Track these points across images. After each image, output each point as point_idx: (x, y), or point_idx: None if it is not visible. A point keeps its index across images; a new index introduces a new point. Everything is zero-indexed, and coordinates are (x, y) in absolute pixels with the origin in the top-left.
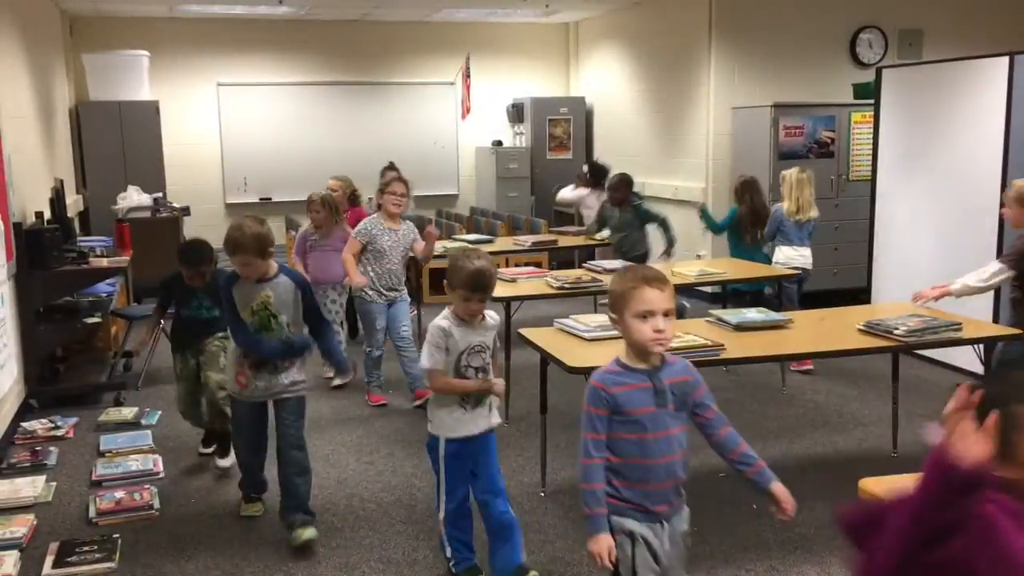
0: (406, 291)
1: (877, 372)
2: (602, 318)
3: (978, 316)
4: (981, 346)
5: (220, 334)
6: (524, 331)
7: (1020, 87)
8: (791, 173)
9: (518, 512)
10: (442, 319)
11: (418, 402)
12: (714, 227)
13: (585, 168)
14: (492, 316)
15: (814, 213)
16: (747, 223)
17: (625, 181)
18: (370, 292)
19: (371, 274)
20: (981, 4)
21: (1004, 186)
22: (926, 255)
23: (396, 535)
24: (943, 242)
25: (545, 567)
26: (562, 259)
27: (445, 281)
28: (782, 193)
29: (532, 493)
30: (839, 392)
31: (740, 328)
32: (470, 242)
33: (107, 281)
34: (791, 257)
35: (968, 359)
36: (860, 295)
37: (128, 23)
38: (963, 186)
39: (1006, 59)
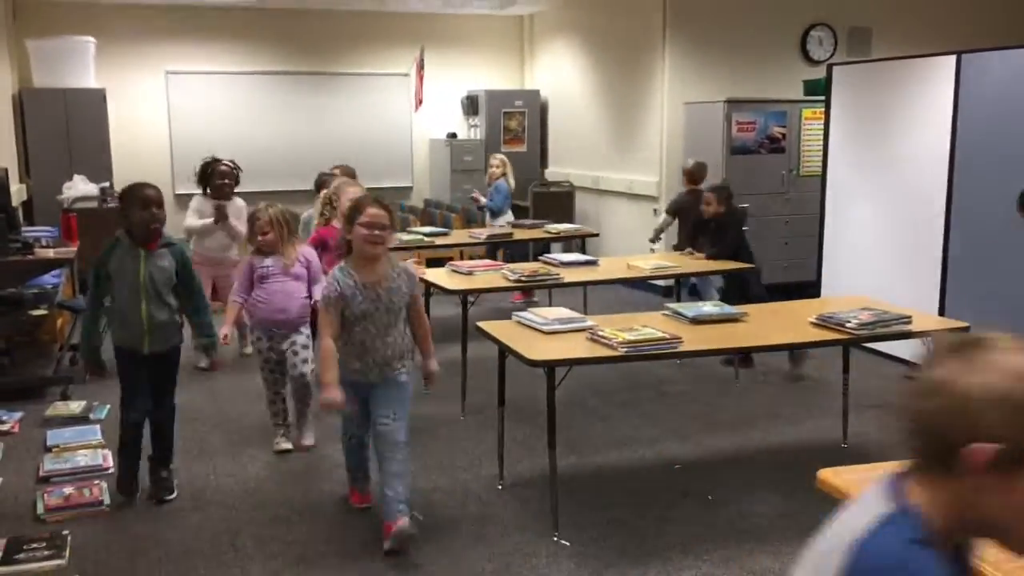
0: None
1: (827, 364)
2: (561, 311)
3: (926, 310)
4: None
5: None
6: (482, 324)
7: (967, 85)
8: None
9: (475, 505)
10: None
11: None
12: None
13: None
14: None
15: None
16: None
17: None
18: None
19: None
20: (928, 3)
21: (951, 181)
22: (875, 249)
23: (351, 528)
24: (891, 237)
25: (504, 559)
26: (516, 252)
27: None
28: None
29: (490, 486)
30: (790, 384)
31: (696, 321)
32: (424, 235)
33: (52, 272)
34: None
35: (916, 352)
36: (809, 289)
37: (73, 8)
38: (911, 182)
39: (953, 58)
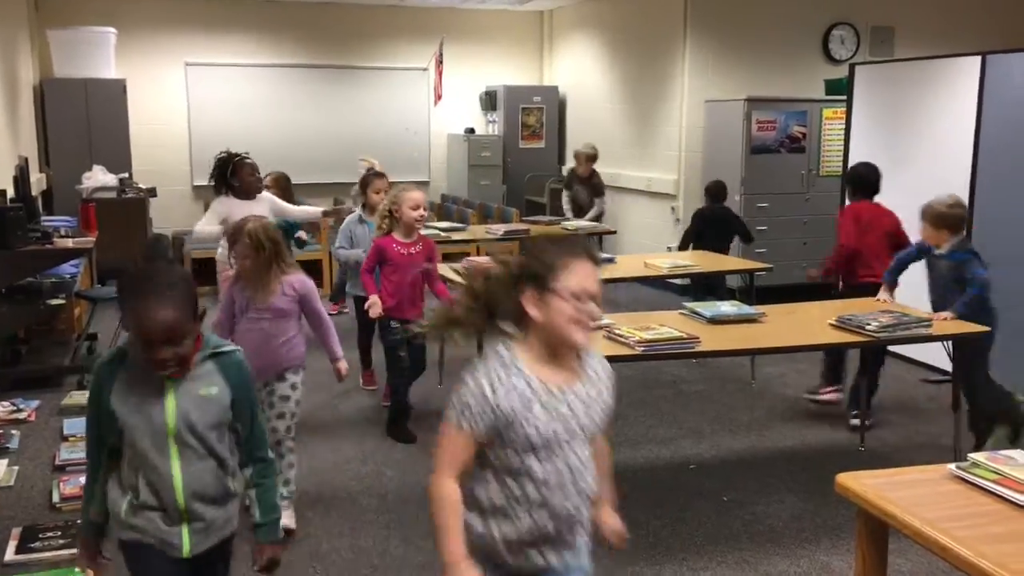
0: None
1: (846, 367)
2: None
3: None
4: (949, 342)
5: None
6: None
7: (991, 87)
8: None
9: None
10: None
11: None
12: None
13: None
14: None
15: None
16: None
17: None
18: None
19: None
20: (953, 3)
21: (974, 185)
22: None
23: (367, 524)
24: (912, 239)
25: None
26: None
27: None
28: None
29: None
30: (808, 386)
31: (714, 321)
32: (441, 230)
33: (71, 262)
34: None
35: (936, 356)
36: (830, 290)
37: None
38: (933, 184)
39: (978, 58)
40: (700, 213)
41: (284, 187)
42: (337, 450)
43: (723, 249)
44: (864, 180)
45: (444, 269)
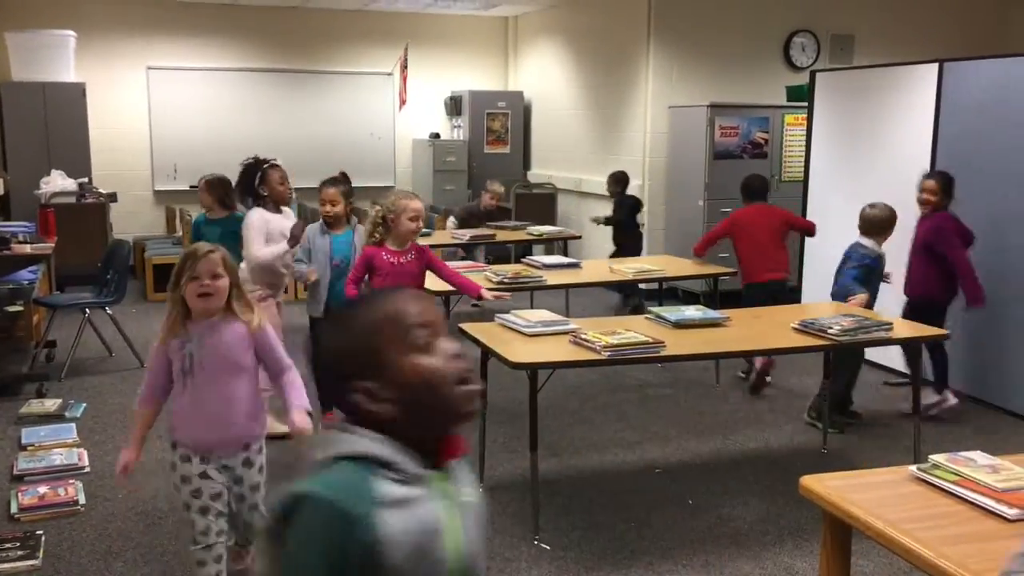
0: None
1: (807, 370)
2: (544, 314)
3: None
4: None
5: None
6: (465, 326)
7: (949, 93)
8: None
9: None
10: None
11: None
12: None
13: None
14: None
15: None
16: None
17: None
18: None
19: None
20: (910, 12)
21: None
22: None
23: None
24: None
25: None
26: (498, 254)
27: None
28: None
29: None
30: (771, 389)
31: (679, 326)
32: None
33: (29, 268)
34: None
35: (897, 359)
36: (792, 294)
37: (54, 1)
38: (892, 189)
39: (935, 66)
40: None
41: (220, 195)
42: None
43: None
44: (749, 188)
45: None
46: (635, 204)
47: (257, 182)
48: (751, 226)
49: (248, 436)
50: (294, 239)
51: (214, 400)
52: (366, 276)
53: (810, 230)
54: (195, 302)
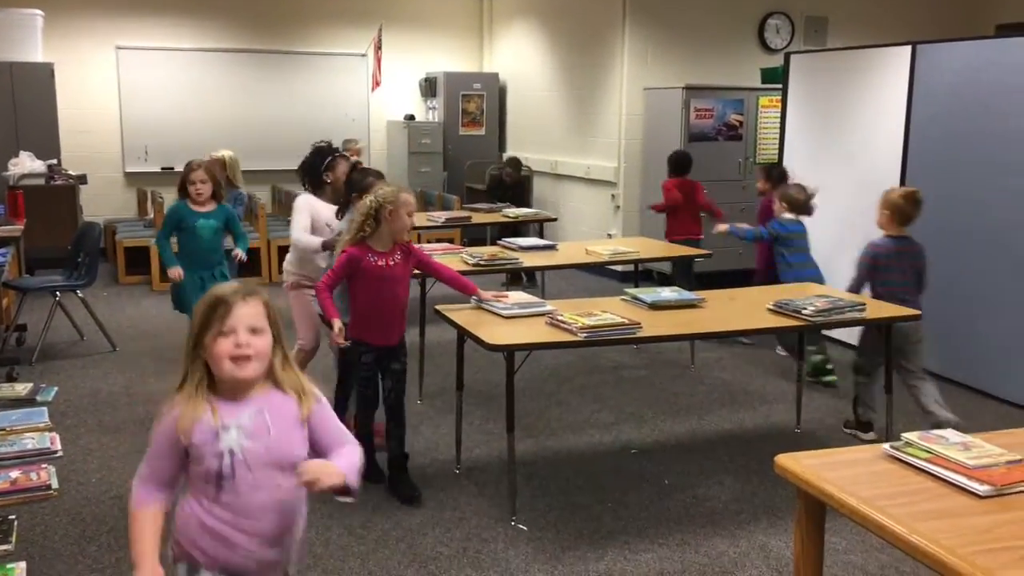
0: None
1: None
2: (520, 296)
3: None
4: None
5: None
6: (441, 308)
7: (921, 75)
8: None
9: (431, 489)
10: None
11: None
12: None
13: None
14: None
15: None
16: None
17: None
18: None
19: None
20: None
21: (905, 171)
22: (829, 236)
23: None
24: (845, 223)
25: (461, 544)
26: (474, 236)
27: None
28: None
29: (447, 470)
30: (745, 370)
31: (655, 307)
32: None
33: None
34: None
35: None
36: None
37: None
38: (865, 169)
39: (908, 48)
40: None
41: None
42: None
43: None
44: (680, 162)
45: None
46: None
47: (323, 168)
48: (687, 195)
49: (296, 559)
50: (328, 246)
51: (257, 513)
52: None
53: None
54: (226, 368)
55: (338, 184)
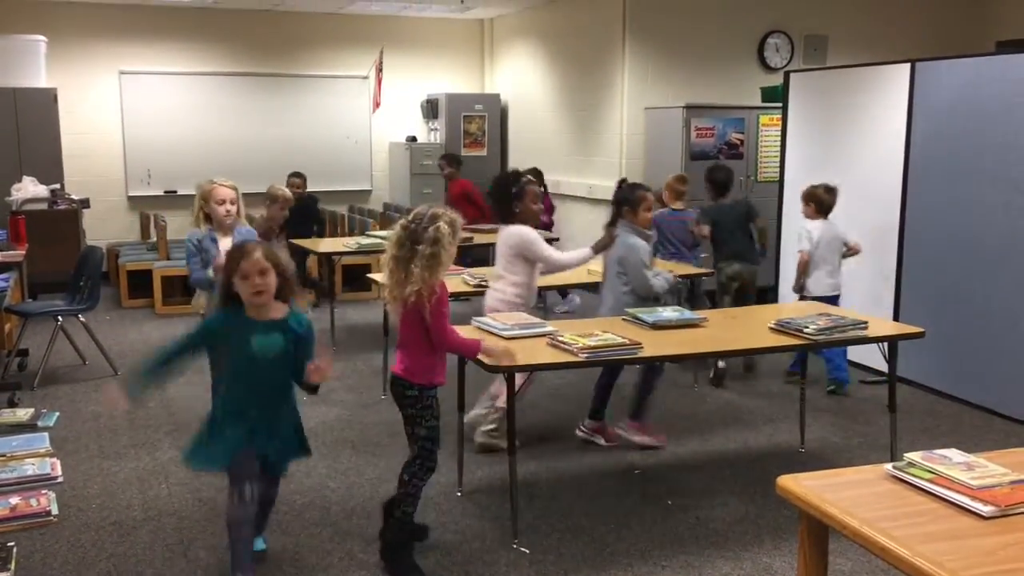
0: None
1: (783, 368)
2: (521, 316)
3: (880, 315)
4: (885, 344)
5: None
6: None
7: (921, 93)
8: None
9: (433, 512)
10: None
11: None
12: None
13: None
14: None
15: None
16: None
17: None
18: None
19: None
20: (883, 13)
21: (905, 188)
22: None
23: (309, 538)
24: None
25: (463, 567)
26: (476, 257)
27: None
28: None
29: (448, 493)
30: (748, 389)
31: (656, 327)
32: (383, 239)
33: (0, 276)
34: None
35: (872, 357)
36: (768, 294)
37: (24, 6)
38: (866, 187)
39: (908, 66)
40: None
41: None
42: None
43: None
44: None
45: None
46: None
47: (514, 196)
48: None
49: None
50: (603, 245)
51: None
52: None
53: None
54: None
55: (529, 213)
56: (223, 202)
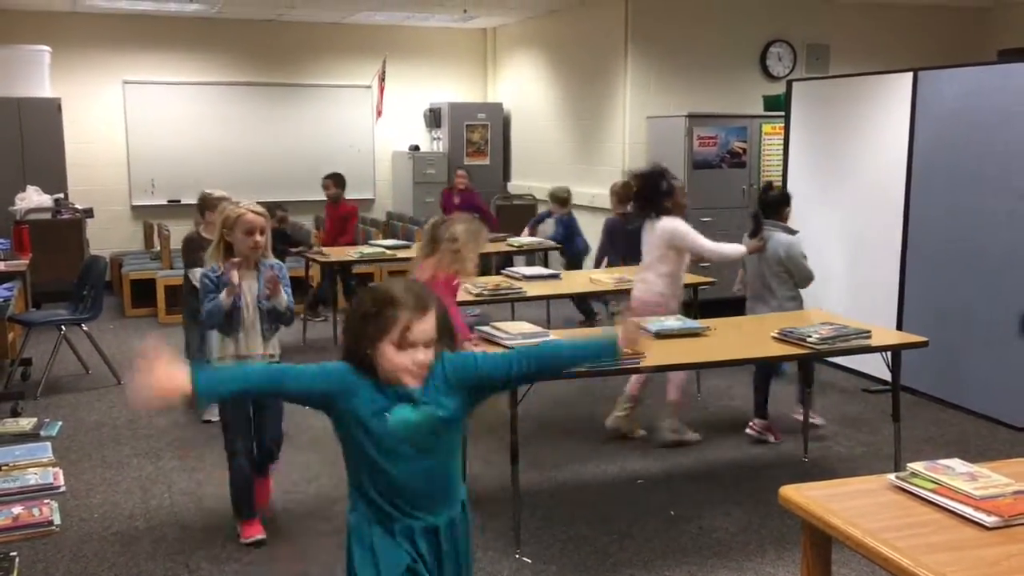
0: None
1: (788, 377)
2: (524, 325)
3: (883, 324)
4: (888, 353)
5: None
6: None
7: (923, 102)
8: None
9: None
10: None
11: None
12: None
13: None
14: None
15: None
16: None
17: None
18: None
19: None
20: (885, 22)
21: (908, 197)
22: (833, 263)
23: (314, 545)
24: (850, 250)
25: None
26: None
27: None
28: None
29: None
30: (752, 398)
31: (660, 336)
32: (387, 247)
33: (4, 286)
34: None
35: (875, 366)
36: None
37: (28, 17)
38: (868, 196)
39: (910, 75)
40: None
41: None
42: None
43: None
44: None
45: None
46: None
47: (663, 192)
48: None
49: None
50: (756, 248)
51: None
52: None
53: None
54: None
55: (679, 208)
56: (252, 232)
